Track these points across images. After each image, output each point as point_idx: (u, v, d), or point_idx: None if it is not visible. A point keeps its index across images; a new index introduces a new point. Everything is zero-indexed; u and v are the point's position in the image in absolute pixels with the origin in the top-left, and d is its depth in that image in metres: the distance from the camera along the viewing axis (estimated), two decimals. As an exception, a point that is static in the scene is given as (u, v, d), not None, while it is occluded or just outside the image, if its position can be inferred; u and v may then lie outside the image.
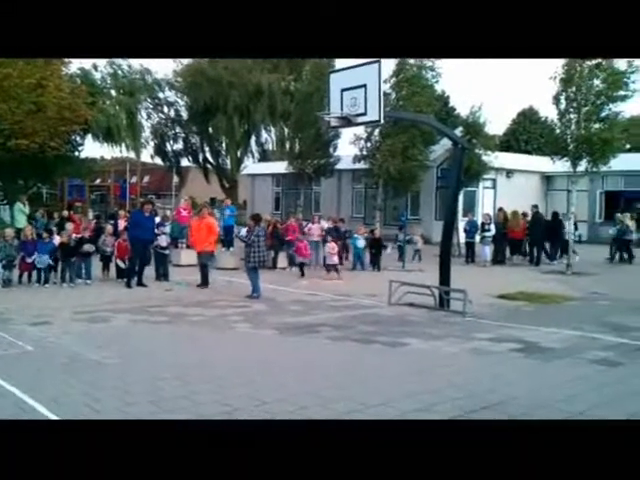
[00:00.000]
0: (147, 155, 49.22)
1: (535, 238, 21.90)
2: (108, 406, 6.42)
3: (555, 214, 23.07)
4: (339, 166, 31.01)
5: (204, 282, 15.13)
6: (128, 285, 14.81)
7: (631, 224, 22.58)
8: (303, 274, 17.46)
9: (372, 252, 19.85)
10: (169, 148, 50.51)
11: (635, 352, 9.07)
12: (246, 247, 14.17)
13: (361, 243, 19.71)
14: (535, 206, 23.47)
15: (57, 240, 15.44)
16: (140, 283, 15.00)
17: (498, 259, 21.68)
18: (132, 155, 40.80)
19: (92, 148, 37.96)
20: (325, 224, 21.00)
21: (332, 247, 17.74)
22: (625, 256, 22.36)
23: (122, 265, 15.80)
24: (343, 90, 11.35)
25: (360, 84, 11.02)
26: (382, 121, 11.97)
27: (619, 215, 23.62)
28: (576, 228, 22.60)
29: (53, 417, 6.01)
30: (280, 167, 34.09)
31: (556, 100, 18.77)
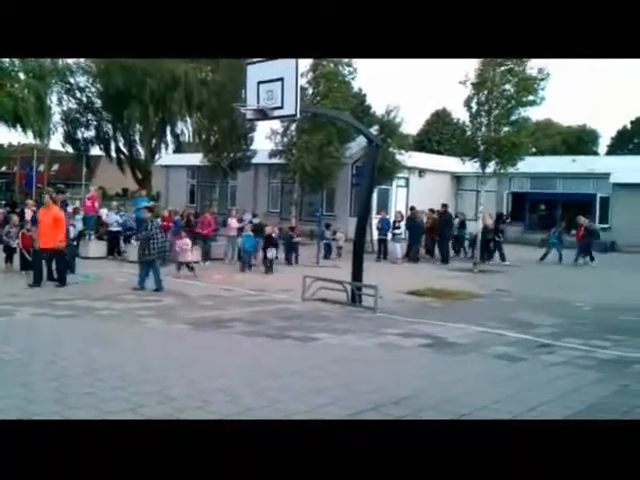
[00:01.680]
0: (57, 142, 47.42)
1: (445, 236, 22.46)
2: (9, 404, 6.16)
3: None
4: (255, 160, 30.85)
5: (60, 280, 13.74)
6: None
7: (490, 223, 22.33)
8: (192, 272, 16.16)
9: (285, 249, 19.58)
10: (80, 136, 48.79)
11: (536, 348, 9.44)
12: (143, 239, 13.73)
13: (250, 241, 18.19)
14: (444, 205, 24.06)
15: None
16: (51, 278, 13.98)
17: (411, 256, 22.10)
18: (41, 142, 39.17)
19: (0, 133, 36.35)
20: (248, 217, 20.67)
21: (185, 243, 16.56)
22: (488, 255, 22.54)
23: (28, 256, 15.18)
24: (260, 82, 11.27)
25: (277, 77, 10.96)
26: (298, 115, 11.97)
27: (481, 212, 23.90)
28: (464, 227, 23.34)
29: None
30: (196, 159, 33.58)
31: (467, 103, 19.32)
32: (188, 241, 16.69)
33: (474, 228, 22.27)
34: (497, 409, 6.48)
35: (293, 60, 10.79)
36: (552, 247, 23.01)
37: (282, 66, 10.91)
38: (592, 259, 22.15)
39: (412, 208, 24.55)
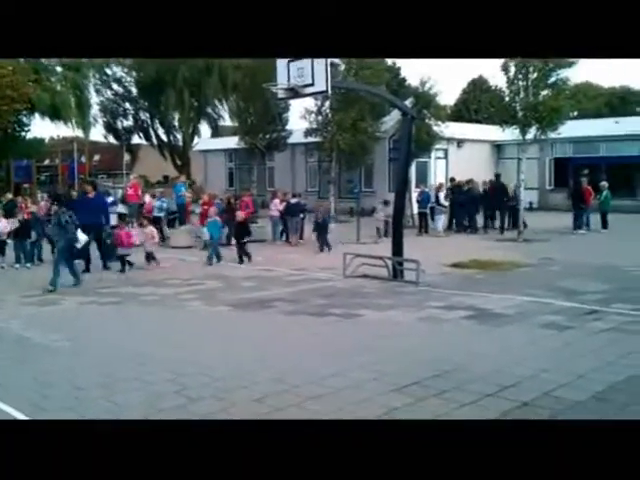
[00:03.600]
0: (98, 133, 48.26)
1: (502, 206, 22.14)
2: (58, 392, 6.29)
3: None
4: (291, 140, 30.81)
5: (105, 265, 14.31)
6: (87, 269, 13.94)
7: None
8: (123, 269, 14.14)
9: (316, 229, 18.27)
10: (119, 125, 49.53)
11: (584, 315, 9.25)
12: (59, 229, 12.32)
13: (215, 228, 15.91)
14: (497, 175, 23.87)
15: (3, 223, 15.00)
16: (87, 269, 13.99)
17: (464, 228, 22.04)
18: (81, 134, 39.81)
19: (40, 128, 36.95)
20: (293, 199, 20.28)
21: (150, 232, 15.17)
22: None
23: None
24: (290, 61, 11.18)
25: (302, 57, 10.84)
26: (329, 92, 11.84)
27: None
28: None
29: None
30: (232, 142, 33.66)
31: (505, 68, 18.86)
32: (152, 229, 15.48)
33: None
34: (545, 378, 6.37)
35: (322, 36, 10.66)
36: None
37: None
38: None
39: (452, 179, 24.24)
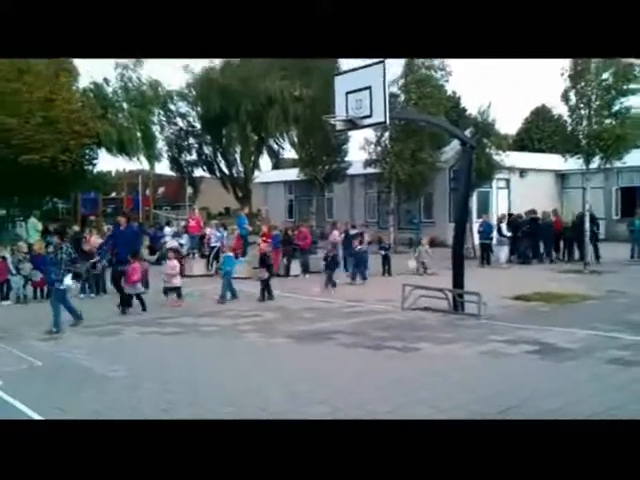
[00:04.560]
0: (163, 166, 49.51)
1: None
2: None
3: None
4: (350, 171, 30.86)
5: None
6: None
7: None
8: (124, 310, 12.86)
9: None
10: (183, 159, 50.69)
11: (654, 350, 8.84)
12: (53, 264, 11.69)
13: (230, 262, 15.01)
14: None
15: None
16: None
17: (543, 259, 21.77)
18: (146, 167, 40.93)
19: (108, 162, 38.22)
20: (352, 230, 20.03)
21: (172, 266, 14.10)
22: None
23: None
24: (348, 93, 11.24)
25: (365, 86, 10.89)
26: (388, 122, 11.84)
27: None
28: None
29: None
30: (293, 174, 33.99)
31: (565, 96, 18.53)
32: (175, 263, 14.34)
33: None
34: (614, 416, 6.07)
35: (380, 67, 10.69)
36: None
37: (369, 74, 10.84)
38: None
39: (534, 212, 23.47)
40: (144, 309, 12.96)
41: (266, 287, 14.45)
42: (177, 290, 13.99)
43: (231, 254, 15.65)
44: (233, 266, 15.00)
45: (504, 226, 21.68)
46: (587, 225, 19.68)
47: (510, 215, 23.61)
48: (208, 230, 21.89)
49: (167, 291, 14.01)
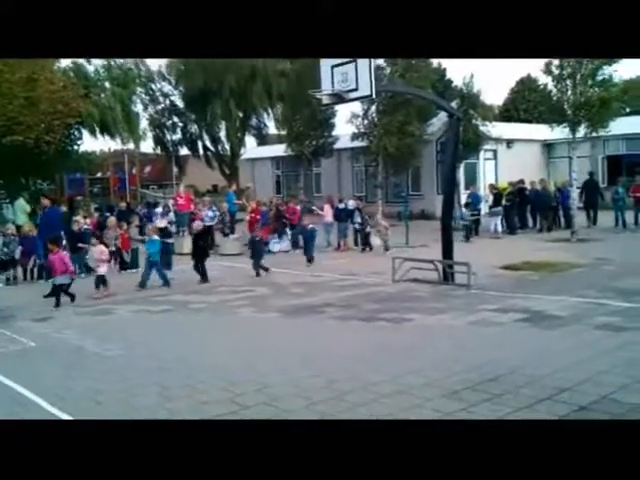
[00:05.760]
0: (147, 146, 49.15)
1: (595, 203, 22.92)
2: (111, 398, 6.39)
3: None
4: (337, 145, 30.79)
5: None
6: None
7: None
8: (58, 303, 11.63)
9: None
10: (168, 138, 50.37)
11: (641, 316, 8.97)
12: None
13: (155, 247, 13.55)
14: (591, 173, 24.33)
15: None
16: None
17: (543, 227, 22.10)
18: (131, 146, 40.64)
19: (92, 141, 37.92)
20: (351, 203, 20.00)
21: (100, 251, 12.86)
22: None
23: (126, 257, 15.96)
24: (333, 67, 11.17)
25: (350, 59, 10.83)
26: (374, 95, 11.80)
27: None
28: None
29: (55, 411, 5.98)
30: (279, 150, 33.85)
31: (547, 68, 18.47)
32: (103, 248, 13.10)
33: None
34: (602, 381, 6.19)
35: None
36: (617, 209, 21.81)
37: (355, 47, 10.78)
38: None
39: (522, 182, 23.51)
40: (58, 304, 11.65)
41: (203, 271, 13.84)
42: (101, 279, 12.62)
43: (156, 237, 13.96)
44: (158, 250, 13.63)
45: (492, 197, 21.77)
46: (573, 194, 19.82)
47: (492, 186, 23.61)
48: (201, 208, 21.72)
49: (98, 281, 12.67)
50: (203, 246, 14.31)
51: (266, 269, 14.69)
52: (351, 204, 19.85)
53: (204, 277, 13.76)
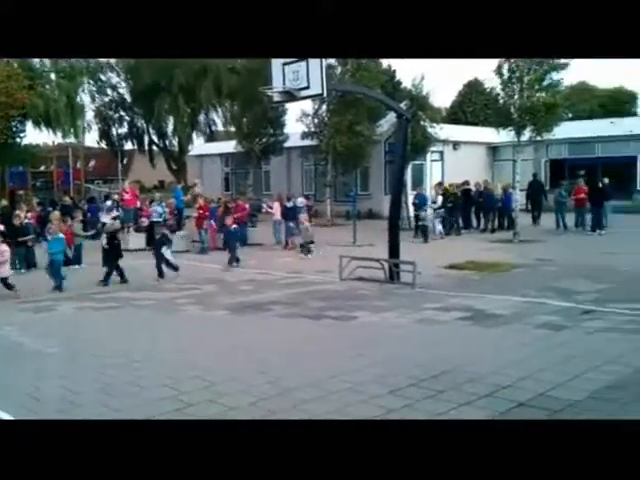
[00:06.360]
0: (92, 139, 48.22)
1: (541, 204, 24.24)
2: (51, 394, 6.27)
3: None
4: (287, 144, 30.76)
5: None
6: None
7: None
8: None
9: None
10: (114, 132, 49.53)
11: (579, 315, 9.24)
12: None
13: (58, 247, 13.03)
14: (535, 174, 25.72)
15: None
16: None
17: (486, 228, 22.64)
18: (73, 140, 39.71)
19: (36, 134, 36.94)
20: (301, 201, 20.24)
21: (1, 252, 11.82)
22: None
23: (68, 253, 15.60)
24: (285, 64, 11.17)
25: (301, 57, 10.85)
26: (325, 94, 11.86)
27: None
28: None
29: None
30: (229, 147, 33.62)
31: (498, 71, 18.87)
32: (5, 248, 12.05)
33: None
34: (541, 378, 6.37)
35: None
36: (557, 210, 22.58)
37: (305, 45, 10.80)
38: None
39: (467, 183, 23.92)
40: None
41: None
42: (4, 281, 11.81)
43: (61, 235, 13.51)
44: (62, 250, 13.22)
45: (440, 198, 22.07)
46: (516, 196, 20.29)
47: (440, 184, 23.97)
48: (149, 204, 21.37)
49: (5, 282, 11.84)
50: (118, 245, 13.59)
51: (176, 268, 13.83)
52: (300, 202, 19.93)
53: (123, 277, 13.23)
